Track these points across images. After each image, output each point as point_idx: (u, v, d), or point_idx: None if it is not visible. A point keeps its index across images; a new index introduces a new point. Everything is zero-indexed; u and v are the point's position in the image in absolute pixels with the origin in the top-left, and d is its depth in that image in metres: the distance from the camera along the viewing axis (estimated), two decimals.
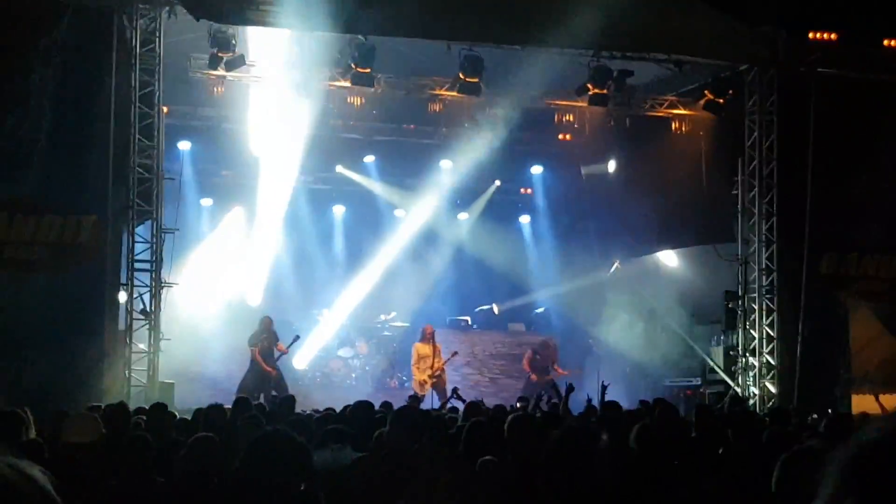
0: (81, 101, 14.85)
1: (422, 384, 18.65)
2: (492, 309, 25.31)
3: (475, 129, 21.73)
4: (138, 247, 15.61)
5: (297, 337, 19.29)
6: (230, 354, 20.72)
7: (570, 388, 14.06)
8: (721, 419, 10.08)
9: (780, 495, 4.33)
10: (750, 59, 17.87)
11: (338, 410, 11.85)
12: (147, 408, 13.17)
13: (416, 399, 15.72)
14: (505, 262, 24.56)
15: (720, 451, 8.22)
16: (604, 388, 13.69)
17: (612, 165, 22.36)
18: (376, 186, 24.01)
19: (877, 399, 16.06)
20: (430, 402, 17.98)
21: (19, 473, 1.89)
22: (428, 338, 19.05)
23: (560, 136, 21.72)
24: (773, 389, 17.74)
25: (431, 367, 18.70)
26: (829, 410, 14.23)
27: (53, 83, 14.47)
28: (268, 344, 18.60)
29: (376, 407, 10.76)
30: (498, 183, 24.43)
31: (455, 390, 15.19)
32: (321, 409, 13.22)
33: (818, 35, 17.47)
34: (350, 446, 7.44)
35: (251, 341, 18.65)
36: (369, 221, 24.59)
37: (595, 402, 13.29)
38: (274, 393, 17.50)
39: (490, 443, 7.17)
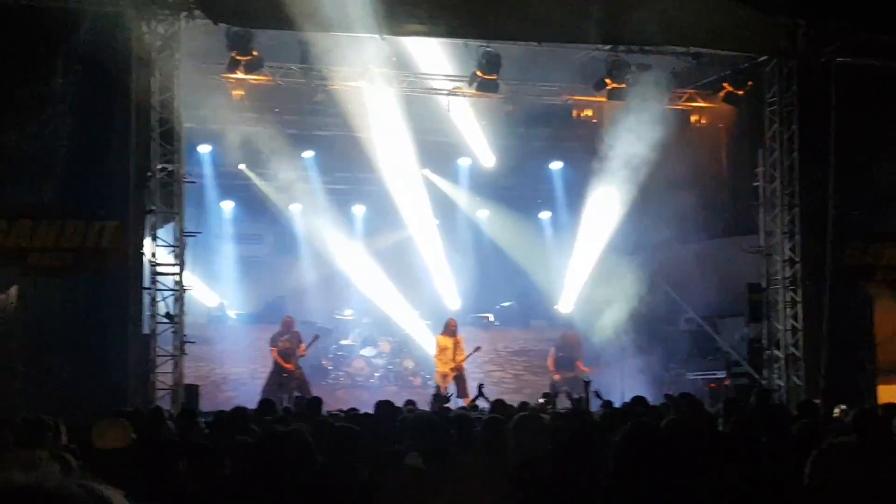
0: (101, 107, 14.90)
1: (444, 376, 18.67)
2: (512, 305, 25.30)
3: (493, 125, 21.74)
4: (160, 250, 15.65)
5: (317, 336, 19.35)
6: (254, 356, 20.84)
7: (588, 383, 14.12)
8: (749, 412, 10.03)
9: (813, 489, 4.31)
10: (769, 50, 17.78)
11: (361, 410, 11.88)
12: (173, 411, 13.28)
13: (442, 399, 15.71)
14: (526, 258, 24.54)
15: (749, 444, 8.17)
16: (586, 384, 13.84)
17: (628, 160, 22.27)
18: (395, 187, 24.00)
19: None
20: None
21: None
22: (451, 330, 19.06)
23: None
24: (798, 381, 17.66)
25: (453, 359, 18.72)
26: (856, 403, 14.14)
27: (74, 90, 14.52)
28: (290, 344, 18.66)
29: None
30: (521, 179, 24.42)
31: (480, 387, 15.22)
32: (345, 409, 13.26)
33: (837, 24, 17.37)
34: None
35: (272, 342, 18.74)
36: (390, 221, 24.58)
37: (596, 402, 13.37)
38: (297, 393, 17.55)
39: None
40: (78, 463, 5.57)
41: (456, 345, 18.97)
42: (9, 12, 14.34)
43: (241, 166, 23.29)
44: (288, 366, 18.43)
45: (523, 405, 11.90)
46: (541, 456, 6.81)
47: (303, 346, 18.71)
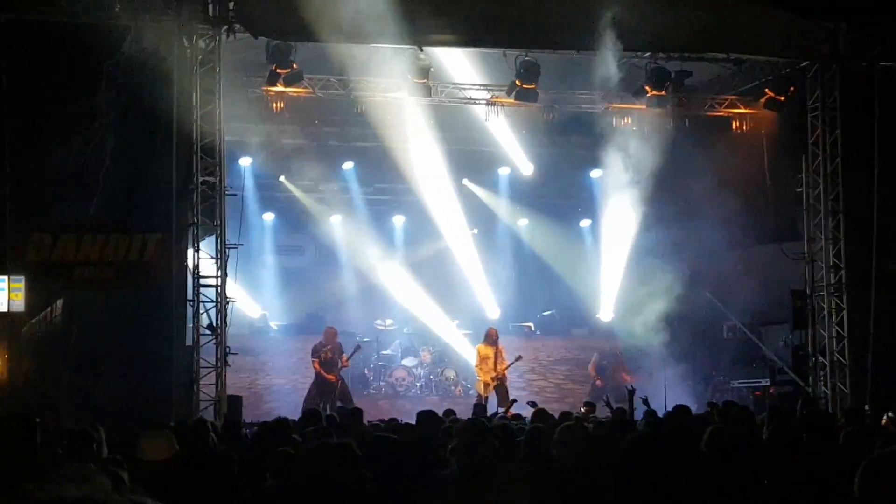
0: (144, 122, 15.04)
1: (485, 385, 18.66)
2: (553, 314, 25.24)
3: (532, 134, 21.73)
4: (203, 262, 15.76)
5: (359, 347, 19.43)
6: (296, 366, 20.94)
7: (632, 391, 14.05)
8: (794, 421, 9.93)
9: (864, 500, 4.24)
10: (811, 55, 17.63)
11: (403, 420, 11.89)
12: (216, 422, 13.34)
13: (481, 408, 15.69)
14: (566, 266, 24.50)
15: (794, 453, 8.09)
16: (630, 392, 13.79)
17: (669, 168, 22.20)
18: (434, 197, 24.03)
19: None
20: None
21: None
22: (492, 340, 19.05)
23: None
24: (844, 389, 17.47)
25: (494, 368, 18.70)
26: None
27: (116, 105, 14.68)
28: (331, 355, 18.74)
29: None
30: (561, 187, 24.39)
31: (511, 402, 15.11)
32: (386, 419, 13.28)
33: (880, 27, 17.21)
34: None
35: (314, 353, 18.82)
36: (429, 231, 24.63)
37: (639, 411, 13.32)
38: (339, 404, 17.61)
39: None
40: (127, 476, 5.62)
41: (497, 354, 18.94)
42: (52, 29, 14.54)
43: (282, 178, 23.46)
44: (330, 376, 18.50)
45: (565, 414, 11.84)
46: (585, 465, 6.78)
47: (345, 356, 18.78)
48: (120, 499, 1.88)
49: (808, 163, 18.11)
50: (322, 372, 18.52)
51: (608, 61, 17.12)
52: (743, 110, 19.51)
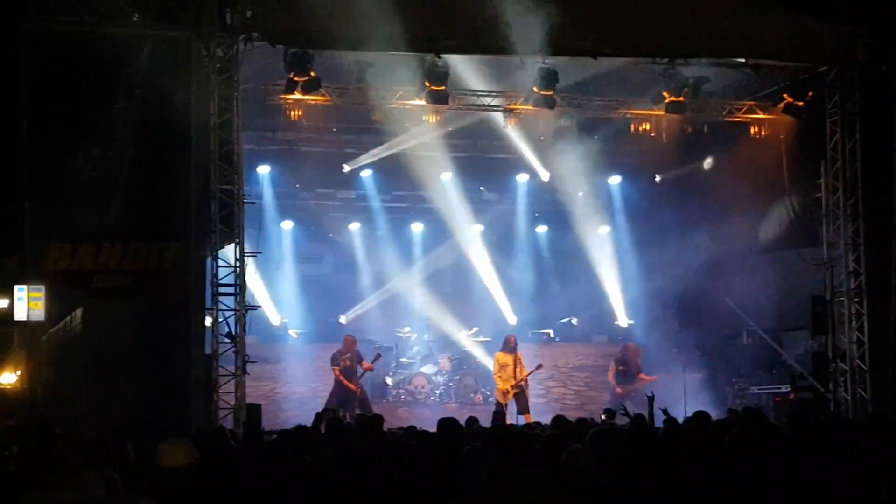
0: (162, 130, 15.09)
1: (504, 393, 18.65)
2: (570, 321, 25.17)
3: (551, 141, 21.71)
4: (221, 271, 15.79)
5: (379, 354, 19.45)
6: (315, 374, 20.96)
7: (652, 398, 13.99)
8: (815, 427, 9.89)
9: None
10: (830, 59, 17.55)
11: (422, 428, 11.89)
12: (236, 430, 13.38)
13: (501, 415, 15.68)
14: (585, 273, 24.44)
15: (814, 459, 8.05)
16: (650, 399, 13.74)
17: (688, 173, 22.17)
18: (453, 204, 24.04)
19: None
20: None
21: None
22: (511, 347, 19.04)
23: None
24: (865, 395, 17.36)
25: (513, 376, 18.67)
26: None
27: (135, 113, 14.74)
28: (350, 363, 18.77)
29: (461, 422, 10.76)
30: (581, 194, 24.33)
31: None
32: (405, 427, 13.28)
33: None
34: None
35: (333, 360, 18.85)
36: (448, 238, 24.63)
37: (658, 417, 13.27)
38: (359, 411, 17.63)
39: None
40: (122, 482, 5.63)
41: (516, 361, 18.93)
42: (71, 39, 14.63)
43: (300, 186, 23.50)
44: (350, 384, 18.52)
45: (582, 421, 11.81)
46: (615, 470, 6.77)
47: (365, 362, 18.82)
48: (115, 501, 1.90)
49: (827, 168, 18.03)
50: (343, 379, 18.56)
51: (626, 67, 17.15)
52: (761, 116, 19.44)
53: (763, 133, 19.61)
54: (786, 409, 17.74)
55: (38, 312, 14.81)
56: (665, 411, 13.67)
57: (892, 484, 4.20)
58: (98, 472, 4.70)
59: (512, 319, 24.02)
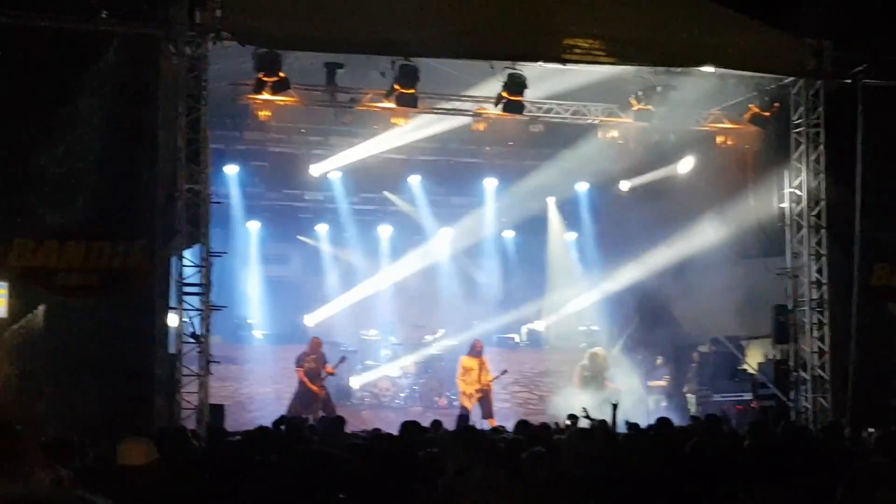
0: (129, 128, 15.00)
1: (469, 397, 18.67)
2: (534, 329, 25.23)
3: (519, 146, 21.78)
4: (187, 270, 15.72)
5: (344, 358, 19.41)
6: (280, 376, 20.89)
7: (615, 406, 14.04)
8: (775, 435, 9.97)
9: None
10: (795, 71, 17.71)
11: (384, 430, 11.88)
12: (199, 431, 13.31)
13: (465, 419, 15.70)
14: (552, 278, 24.53)
15: (773, 466, 8.13)
16: (613, 406, 13.78)
17: (655, 180, 22.29)
18: (421, 208, 24.08)
19: None
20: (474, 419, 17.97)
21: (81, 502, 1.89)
22: (476, 352, 19.08)
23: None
24: (825, 403, 17.52)
25: (478, 380, 18.70)
26: (884, 425, 14.01)
27: (101, 111, 14.64)
28: (315, 365, 18.72)
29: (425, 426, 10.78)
30: (548, 200, 24.41)
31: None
32: (369, 430, 13.28)
33: (864, 45, 17.32)
34: None
35: (298, 362, 18.80)
36: (415, 242, 24.66)
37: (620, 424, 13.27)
38: (322, 414, 17.59)
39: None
40: (70, 475, 5.60)
41: (481, 366, 18.97)
42: (38, 34, 14.49)
43: (267, 187, 23.44)
44: (313, 386, 18.48)
45: (545, 426, 11.84)
46: (595, 470, 6.81)
47: (328, 365, 18.78)
48: (61, 495, 1.90)
49: (791, 178, 18.19)
50: (306, 381, 18.52)
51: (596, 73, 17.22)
52: (728, 125, 19.60)
53: (729, 142, 19.79)
54: (748, 417, 17.87)
55: (1, 309, 14.68)
56: (614, 406, 13.76)
57: (850, 489, 4.25)
58: (48, 468, 4.68)
59: (479, 324, 24.05)
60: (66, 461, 7.06)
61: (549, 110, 19.35)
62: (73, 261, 14.72)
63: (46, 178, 14.57)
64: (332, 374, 18.92)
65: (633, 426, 12.69)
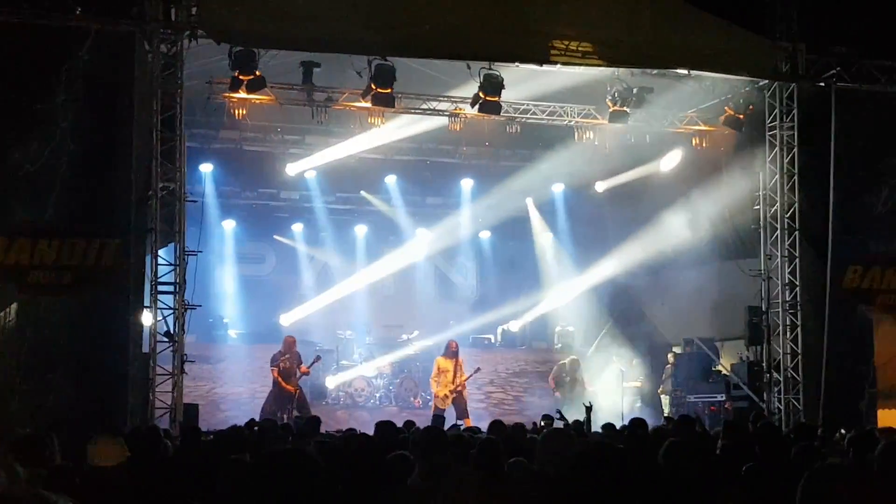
0: (103, 126, 14.90)
1: (443, 398, 18.66)
2: (508, 330, 25.26)
3: (496, 147, 21.80)
4: (161, 269, 15.66)
5: (319, 357, 19.38)
6: (254, 375, 20.84)
7: (590, 408, 14.08)
8: (748, 435, 10.02)
9: None
10: (769, 74, 17.82)
11: (361, 430, 11.86)
12: (172, 430, 13.25)
13: (440, 419, 15.70)
14: (528, 279, 24.57)
15: (747, 467, 8.17)
16: (588, 409, 13.82)
17: (631, 181, 22.36)
18: (397, 208, 24.08)
19: None
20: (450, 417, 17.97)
21: (40, 500, 1.88)
22: (451, 353, 19.06)
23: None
24: (797, 405, 17.64)
25: (452, 381, 18.70)
26: (855, 426, 14.11)
27: (76, 108, 14.55)
28: (290, 364, 18.68)
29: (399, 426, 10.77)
30: (525, 200, 24.44)
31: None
32: (343, 429, 13.25)
33: (837, 49, 17.45)
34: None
35: (272, 361, 18.74)
36: (391, 241, 24.65)
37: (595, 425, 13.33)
38: (297, 413, 17.54)
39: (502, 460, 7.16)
40: (27, 473, 5.56)
41: (457, 367, 18.95)
42: (12, 30, 14.39)
43: (243, 186, 23.38)
44: (288, 386, 18.43)
45: (519, 426, 11.86)
46: (568, 470, 6.81)
47: (303, 366, 18.74)
48: (18, 492, 1.89)
49: (765, 180, 18.29)
50: (281, 381, 18.46)
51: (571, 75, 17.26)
52: (703, 127, 19.69)
53: (704, 144, 19.87)
54: (721, 417, 17.95)
55: None
56: (589, 408, 13.85)
57: (807, 489, 4.28)
58: (7, 467, 4.64)
59: (454, 324, 24.07)
60: (37, 460, 7.01)
61: (525, 111, 19.37)
62: (46, 259, 14.62)
63: (20, 175, 14.46)
64: (306, 373, 18.89)
65: (607, 426, 12.74)
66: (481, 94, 17.60)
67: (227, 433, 9.64)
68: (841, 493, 4.16)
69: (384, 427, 9.93)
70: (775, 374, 17.91)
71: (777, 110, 18.05)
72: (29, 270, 14.59)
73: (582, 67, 17.05)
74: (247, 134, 20.66)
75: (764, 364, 18.07)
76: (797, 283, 17.99)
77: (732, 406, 18.89)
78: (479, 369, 19.62)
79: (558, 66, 16.79)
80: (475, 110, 18.17)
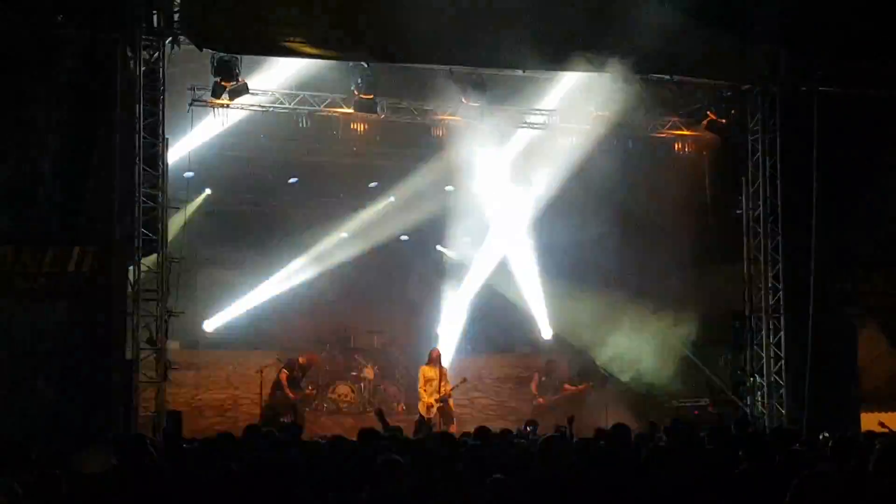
0: (85, 133, 14.86)
1: (428, 407, 18.60)
2: (492, 331, 25.19)
3: (480, 152, 21.74)
4: (144, 276, 15.58)
5: (465, 379, 19.46)
6: (238, 382, 20.78)
7: (571, 418, 14.07)
8: (732, 440, 10.04)
9: None
10: (751, 78, 17.89)
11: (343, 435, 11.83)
12: (156, 438, 13.20)
13: (426, 427, 15.67)
14: (507, 285, 24.49)
15: (732, 472, 8.19)
16: (570, 419, 13.82)
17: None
18: (379, 212, 23.99)
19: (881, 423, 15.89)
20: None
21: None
22: (434, 361, 19.00)
23: None
24: (781, 409, 17.68)
25: (438, 390, 18.63)
26: (839, 431, 14.14)
27: (57, 115, 14.51)
28: (302, 375, 18.77)
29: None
30: (507, 203, 24.35)
31: None
32: (328, 435, 13.21)
33: (819, 53, 17.51)
34: None
35: (287, 365, 18.73)
36: (373, 248, 24.54)
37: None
38: (283, 419, 17.51)
39: (490, 467, 7.17)
40: (62, 489, 5.54)
41: (441, 375, 18.87)
42: None
43: (226, 192, 23.27)
44: (290, 393, 18.47)
45: (504, 432, 11.86)
46: (566, 476, 6.82)
47: (311, 389, 18.90)
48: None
49: (747, 185, 18.35)
50: (286, 385, 18.46)
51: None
52: (685, 132, 19.71)
53: (687, 149, 19.89)
54: (705, 422, 17.97)
55: None
56: (570, 419, 13.85)
57: (796, 495, 4.30)
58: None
59: (440, 331, 23.99)
60: (18, 467, 6.97)
61: (509, 116, 19.37)
62: (28, 266, 14.59)
63: (1, 182, 14.41)
64: (310, 395, 19.00)
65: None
66: (464, 100, 17.63)
67: (213, 441, 9.60)
68: (829, 500, 4.18)
69: (368, 434, 9.91)
70: (759, 379, 17.96)
71: (759, 114, 18.11)
72: (13, 277, 14.55)
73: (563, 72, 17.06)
74: (229, 140, 20.53)
75: (748, 368, 18.10)
76: (780, 287, 18.03)
77: (716, 411, 18.89)
78: (465, 379, 19.53)
79: (542, 71, 16.79)
80: (458, 115, 18.16)
